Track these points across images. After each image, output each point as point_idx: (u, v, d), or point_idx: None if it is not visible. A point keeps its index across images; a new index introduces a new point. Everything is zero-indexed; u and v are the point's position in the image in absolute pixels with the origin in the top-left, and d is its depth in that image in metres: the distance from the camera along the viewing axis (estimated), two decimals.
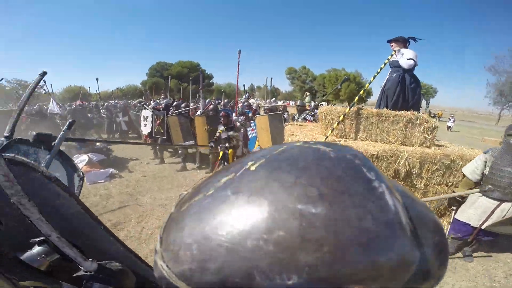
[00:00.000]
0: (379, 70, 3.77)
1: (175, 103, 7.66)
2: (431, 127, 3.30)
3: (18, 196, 0.48)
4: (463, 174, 2.71)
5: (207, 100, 8.25)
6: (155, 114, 6.55)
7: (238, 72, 6.22)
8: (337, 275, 0.20)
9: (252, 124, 5.86)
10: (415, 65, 3.66)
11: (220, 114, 5.61)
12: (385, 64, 3.76)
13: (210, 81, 40.17)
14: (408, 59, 3.57)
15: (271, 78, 10.09)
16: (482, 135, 15.52)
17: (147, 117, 6.70)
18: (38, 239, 0.74)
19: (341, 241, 0.20)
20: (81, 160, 5.31)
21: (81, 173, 0.93)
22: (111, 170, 5.36)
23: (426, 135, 3.30)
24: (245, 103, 6.68)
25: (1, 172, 0.46)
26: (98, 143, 6.65)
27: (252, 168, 0.24)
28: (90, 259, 0.58)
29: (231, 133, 5.07)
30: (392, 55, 3.71)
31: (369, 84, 3.91)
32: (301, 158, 0.24)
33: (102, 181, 4.98)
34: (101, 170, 5.25)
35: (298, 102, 6.73)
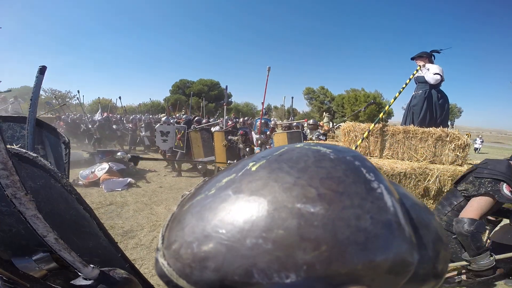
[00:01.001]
0: (404, 86, 3.63)
1: (196, 118, 7.83)
2: (463, 145, 3.07)
3: (14, 188, 0.41)
4: None
5: (226, 118, 8.34)
6: (177, 128, 6.67)
7: (266, 88, 6.03)
8: (335, 274, 0.20)
9: (270, 142, 5.80)
10: (442, 80, 3.52)
11: (239, 133, 5.76)
12: (410, 80, 3.63)
13: (229, 99, 41.17)
14: (434, 74, 3.44)
15: (292, 97, 10.12)
16: None
17: (168, 132, 6.66)
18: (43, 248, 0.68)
19: (339, 240, 0.20)
20: (101, 168, 5.43)
21: (66, 139, 0.87)
22: (129, 179, 5.44)
23: (458, 153, 3.07)
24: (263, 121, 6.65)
25: None
26: (119, 153, 6.81)
27: (253, 168, 0.24)
28: (92, 265, 0.51)
29: (247, 149, 5.24)
30: (417, 71, 3.59)
31: (394, 99, 3.74)
32: (301, 159, 0.24)
33: (120, 189, 5.05)
34: (120, 179, 5.34)
35: (310, 121, 6.59)
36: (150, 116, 12.14)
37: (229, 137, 5.87)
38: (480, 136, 21.24)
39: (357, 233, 0.20)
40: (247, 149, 5.82)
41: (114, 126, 10.65)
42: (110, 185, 5.04)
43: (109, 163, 5.81)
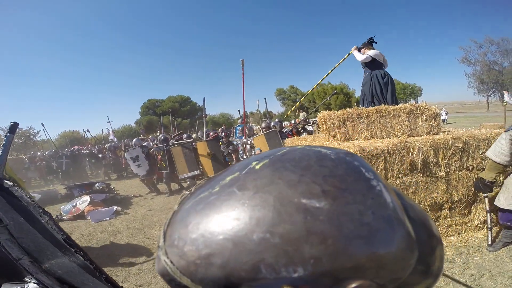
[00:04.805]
0: (336, 65, 5.01)
1: (175, 135, 7.71)
2: (434, 114, 3.29)
3: None
4: (488, 157, 2.53)
5: (206, 130, 8.23)
6: (155, 150, 6.49)
7: (243, 82, 6.07)
8: (340, 267, 0.20)
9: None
10: (380, 62, 4.08)
11: (222, 135, 5.87)
12: (343, 59, 4.82)
13: (202, 113, 40.65)
14: (364, 55, 4.10)
15: (265, 98, 10.24)
16: (478, 122, 15.58)
17: (137, 156, 6.35)
18: (34, 281, 0.64)
19: (344, 234, 0.20)
20: (83, 201, 5.16)
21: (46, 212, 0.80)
22: (115, 207, 5.21)
23: (431, 123, 3.27)
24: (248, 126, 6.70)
25: None
26: (97, 184, 6.52)
27: (257, 167, 0.24)
28: None
29: (231, 147, 5.71)
30: (348, 55, 4.56)
31: (326, 75, 5.22)
32: (304, 159, 0.25)
33: (108, 218, 4.82)
34: (105, 208, 5.10)
35: (263, 124, 6.54)
36: (126, 140, 11.76)
37: (232, 140, 6.05)
38: (444, 109, 22.72)
39: (361, 227, 0.21)
40: (231, 147, 5.96)
41: (99, 155, 10.60)
42: (97, 215, 4.78)
43: (90, 195, 5.55)
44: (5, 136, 0.90)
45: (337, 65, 5.06)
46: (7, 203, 0.70)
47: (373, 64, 4.10)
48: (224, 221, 0.22)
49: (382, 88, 4.04)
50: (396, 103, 3.90)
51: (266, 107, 10.70)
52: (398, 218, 0.22)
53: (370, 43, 4.21)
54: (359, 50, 4.25)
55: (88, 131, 13.69)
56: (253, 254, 0.20)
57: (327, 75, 5.45)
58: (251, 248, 0.20)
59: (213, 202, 0.23)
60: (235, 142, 6.22)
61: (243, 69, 5.99)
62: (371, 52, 4.07)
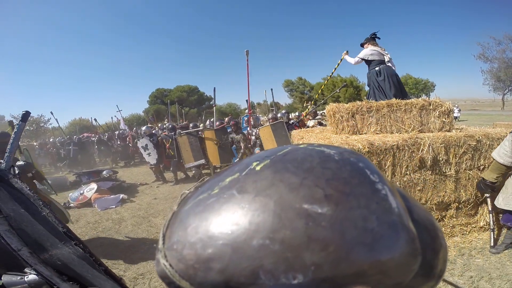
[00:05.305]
0: (333, 71, 5.25)
1: (181, 124, 7.74)
2: (447, 111, 3.17)
3: None
4: (492, 158, 2.53)
5: (213, 119, 8.28)
6: (163, 138, 6.52)
7: (248, 72, 6.34)
8: (342, 274, 0.20)
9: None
10: (379, 59, 4.09)
11: (231, 123, 5.93)
12: (338, 65, 4.98)
13: (211, 103, 40.67)
14: (354, 59, 4.22)
15: (271, 89, 10.17)
16: (492, 121, 15.15)
17: (146, 145, 6.39)
18: (33, 272, 0.64)
19: (346, 241, 0.20)
20: (90, 188, 5.26)
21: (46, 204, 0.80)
22: (121, 195, 5.29)
23: (444, 119, 3.17)
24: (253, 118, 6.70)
25: None
26: (104, 172, 6.62)
27: (258, 168, 0.24)
28: (71, 282, 0.50)
29: (238, 136, 5.67)
30: (341, 60, 4.70)
31: (327, 81, 5.06)
32: (306, 160, 0.24)
33: (114, 206, 4.90)
34: (112, 196, 5.19)
35: (269, 115, 6.47)
36: (134, 128, 11.93)
37: (231, 136, 5.90)
38: (456, 105, 22.21)
39: (364, 234, 0.20)
40: (242, 136, 5.92)
41: (109, 143, 10.79)
42: (103, 203, 4.88)
43: (97, 183, 5.65)
44: (17, 124, 0.90)
45: (334, 71, 5.32)
46: (7, 194, 0.70)
47: (370, 63, 4.15)
48: (223, 225, 0.21)
49: (381, 86, 4.10)
50: (405, 97, 3.79)
51: (273, 97, 10.63)
52: (403, 224, 0.22)
53: (373, 38, 4.19)
54: (362, 45, 4.23)
55: (95, 120, 13.98)
56: (252, 260, 0.20)
57: (327, 81, 6.12)
58: (250, 254, 0.20)
59: (212, 204, 0.22)
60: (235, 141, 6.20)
61: (247, 59, 6.24)
62: (361, 54, 4.15)
